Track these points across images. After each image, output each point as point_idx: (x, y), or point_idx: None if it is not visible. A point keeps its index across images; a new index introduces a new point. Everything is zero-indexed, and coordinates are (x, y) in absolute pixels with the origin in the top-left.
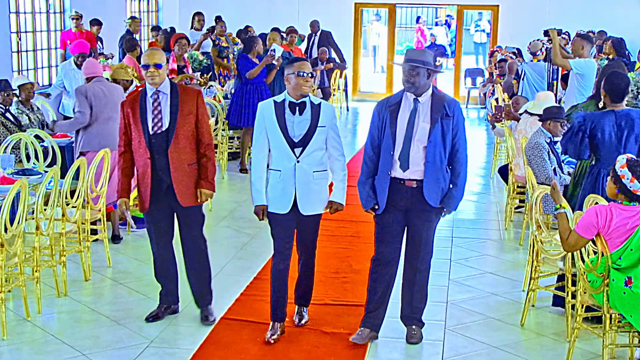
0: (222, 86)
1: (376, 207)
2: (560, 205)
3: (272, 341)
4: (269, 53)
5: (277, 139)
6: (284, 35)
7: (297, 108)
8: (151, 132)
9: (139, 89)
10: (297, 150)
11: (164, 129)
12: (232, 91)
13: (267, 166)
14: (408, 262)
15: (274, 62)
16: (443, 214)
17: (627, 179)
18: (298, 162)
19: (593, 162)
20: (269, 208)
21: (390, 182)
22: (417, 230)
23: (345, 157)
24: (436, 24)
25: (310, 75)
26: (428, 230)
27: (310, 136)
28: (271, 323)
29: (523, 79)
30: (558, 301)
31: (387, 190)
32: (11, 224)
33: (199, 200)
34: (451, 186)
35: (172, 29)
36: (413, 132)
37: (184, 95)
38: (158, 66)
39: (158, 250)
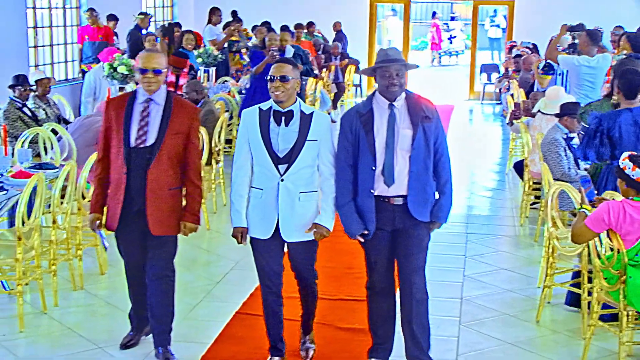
0: (237, 81)
1: (365, 232)
2: (582, 206)
3: None
4: (271, 53)
5: (260, 153)
6: (294, 32)
7: (283, 118)
8: (132, 145)
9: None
10: (282, 167)
11: (147, 144)
12: (247, 86)
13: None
14: (403, 291)
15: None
16: (432, 227)
17: (629, 168)
18: (282, 180)
19: (609, 162)
20: (249, 232)
21: (374, 202)
22: (408, 253)
23: None
24: (452, 19)
25: (282, 79)
26: (420, 251)
27: (297, 151)
28: (269, 357)
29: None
30: (572, 300)
31: (374, 212)
32: (28, 217)
33: (181, 233)
34: (438, 196)
35: (170, 24)
36: (395, 141)
37: (179, 111)
38: (157, 72)
39: (130, 275)
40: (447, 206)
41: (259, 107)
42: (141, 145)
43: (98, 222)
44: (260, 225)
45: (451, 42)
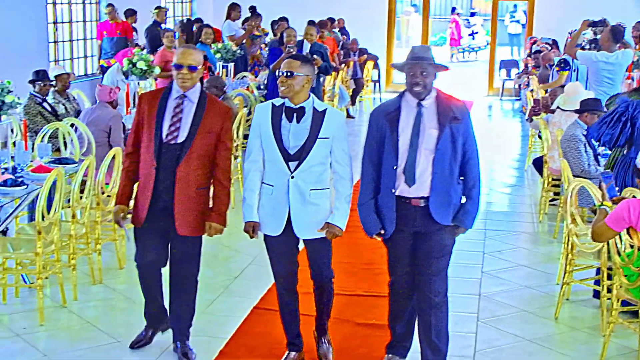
0: (256, 76)
1: (382, 232)
2: (603, 203)
3: None
4: (287, 49)
5: (271, 150)
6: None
7: (295, 114)
8: (164, 140)
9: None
10: (292, 164)
11: (179, 140)
12: (265, 82)
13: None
14: (420, 294)
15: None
16: (456, 233)
17: None
18: (292, 177)
19: (625, 151)
20: (261, 229)
21: (395, 202)
22: (428, 256)
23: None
24: (472, 14)
25: (288, 75)
26: (442, 255)
27: (308, 149)
28: (286, 352)
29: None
30: (598, 293)
31: (394, 212)
32: (48, 212)
33: (206, 234)
34: (465, 200)
35: (189, 20)
36: (419, 141)
37: (212, 110)
38: (192, 68)
39: (144, 279)
40: (473, 212)
41: (272, 103)
42: (172, 141)
43: (122, 214)
44: (271, 222)
45: (473, 38)
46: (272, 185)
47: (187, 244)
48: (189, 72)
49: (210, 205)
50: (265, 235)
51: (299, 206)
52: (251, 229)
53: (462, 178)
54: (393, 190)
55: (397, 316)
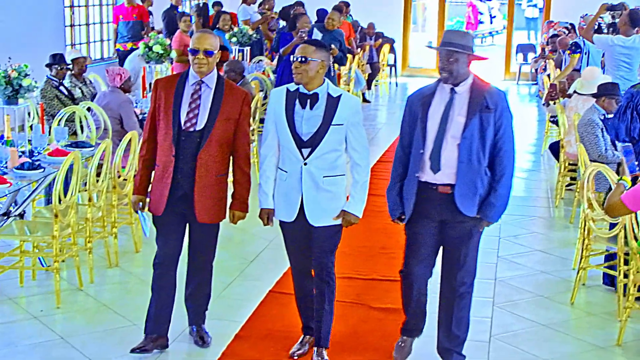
0: (272, 60)
1: (402, 216)
2: (622, 178)
3: (296, 357)
4: (299, 34)
5: (285, 136)
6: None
7: (309, 101)
8: (182, 127)
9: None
10: (305, 151)
11: (198, 128)
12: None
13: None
14: (445, 284)
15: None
16: (482, 225)
17: None
18: (305, 164)
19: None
20: (276, 215)
21: (419, 187)
22: (453, 246)
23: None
24: None
25: (302, 60)
26: (467, 246)
27: (321, 135)
28: (302, 336)
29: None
30: (608, 279)
31: (414, 197)
32: (65, 195)
33: (230, 222)
34: (490, 192)
35: (205, 4)
36: (446, 127)
37: (230, 96)
38: (209, 53)
39: (160, 266)
40: (499, 205)
41: (287, 88)
42: (191, 129)
43: (141, 204)
44: (284, 208)
45: (491, 22)
46: (286, 172)
47: (206, 231)
48: (205, 57)
49: (231, 192)
50: (280, 221)
51: (312, 193)
52: (266, 216)
53: (492, 169)
54: (417, 175)
55: (409, 302)
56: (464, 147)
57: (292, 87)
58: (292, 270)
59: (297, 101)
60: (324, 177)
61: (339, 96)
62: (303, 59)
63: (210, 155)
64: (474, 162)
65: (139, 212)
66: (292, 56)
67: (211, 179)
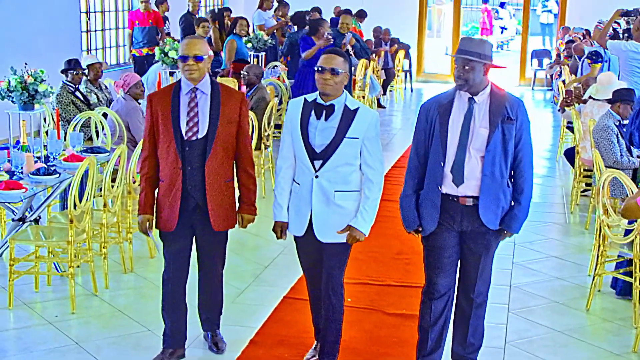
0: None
1: (420, 229)
2: None
3: None
4: (325, 36)
5: (298, 147)
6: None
7: (324, 112)
8: (185, 138)
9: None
10: (317, 163)
11: (200, 136)
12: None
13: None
14: (462, 293)
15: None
16: (503, 236)
17: None
18: (317, 177)
19: None
20: (289, 228)
21: (441, 199)
22: (472, 257)
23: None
24: (501, 5)
25: (333, 72)
26: (486, 257)
27: (333, 147)
28: (315, 343)
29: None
30: (623, 290)
31: (438, 209)
32: (80, 200)
33: (239, 227)
34: (513, 204)
35: (220, 9)
36: (468, 139)
37: (227, 99)
38: (198, 59)
39: (171, 281)
40: (522, 217)
41: (305, 98)
42: (194, 138)
43: (148, 223)
44: (295, 222)
45: (502, 33)
46: (300, 184)
47: (217, 239)
48: (195, 63)
49: (238, 196)
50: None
51: (322, 207)
52: (279, 229)
53: (512, 181)
54: (439, 188)
55: (425, 329)
56: (488, 161)
57: (310, 97)
58: (305, 280)
59: (312, 112)
60: (335, 191)
61: (356, 109)
62: (334, 71)
63: (217, 162)
64: (496, 175)
65: (148, 232)
66: (318, 65)
67: (221, 186)
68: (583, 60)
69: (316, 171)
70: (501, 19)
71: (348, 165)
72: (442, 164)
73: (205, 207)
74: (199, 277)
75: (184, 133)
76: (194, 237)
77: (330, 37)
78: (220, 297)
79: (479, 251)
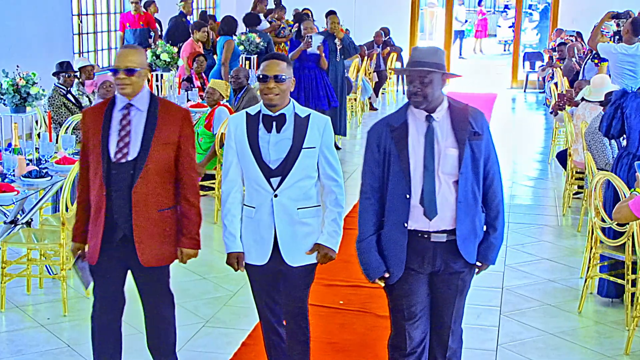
0: None
1: (386, 274)
2: (636, 189)
3: None
4: (305, 39)
5: (249, 166)
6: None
7: (274, 123)
8: (113, 160)
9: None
10: (275, 181)
11: (130, 158)
12: None
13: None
14: (436, 340)
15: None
16: (478, 271)
17: None
18: (276, 196)
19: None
20: (245, 258)
21: (408, 238)
22: (445, 302)
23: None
24: (506, 7)
25: (277, 79)
26: (460, 298)
27: (291, 161)
28: None
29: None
30: (608, 291)
31: (405, 250)
32: (72, 203)
33: (178, 262)
34: (487, 231)
35: (204, 12)
36: (435, 163)
37: (166, 116)
38: (130, 72)
39: (96, 320)
40: (498, 245)
41: (247, 112)
42: (122, 160)
43: (80, 251)
44: (255, 250)
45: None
46: (254, 207)
47: (153, 276)
48: (127, 77)
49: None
50: (247, 265)
51: (286, 228)
52: (235, 260)
53: (484, 204)
54: (405, 225)
55: None
56: (462, 185)
57: (252, 110)
58: (261, 324)
59: (260, 125)
60: (298, 208)
61: (308, 116)
62: (279, 78)
63: (147, 188)
64: (470, 200)
65: (80, 263)
66: (260, 73)
67: (152, 215)
68: (586, 61)
69: (274, 190)
70: (510, 18)
71: (308, 179)
72: (407, 197)
73: (132, 239)
74: (144, 317)
75: (112, 154)
76: (131, 272)
77: (310, 40)
78: (172, 339)
79: (453, 295)
